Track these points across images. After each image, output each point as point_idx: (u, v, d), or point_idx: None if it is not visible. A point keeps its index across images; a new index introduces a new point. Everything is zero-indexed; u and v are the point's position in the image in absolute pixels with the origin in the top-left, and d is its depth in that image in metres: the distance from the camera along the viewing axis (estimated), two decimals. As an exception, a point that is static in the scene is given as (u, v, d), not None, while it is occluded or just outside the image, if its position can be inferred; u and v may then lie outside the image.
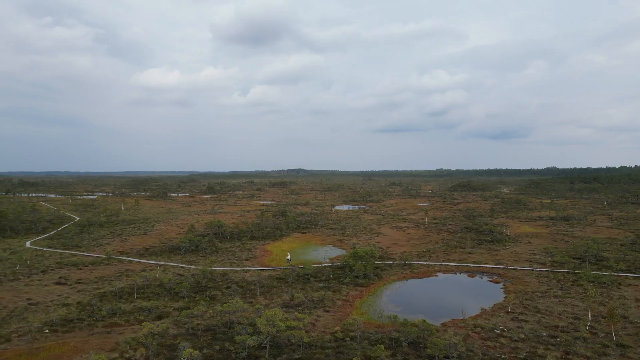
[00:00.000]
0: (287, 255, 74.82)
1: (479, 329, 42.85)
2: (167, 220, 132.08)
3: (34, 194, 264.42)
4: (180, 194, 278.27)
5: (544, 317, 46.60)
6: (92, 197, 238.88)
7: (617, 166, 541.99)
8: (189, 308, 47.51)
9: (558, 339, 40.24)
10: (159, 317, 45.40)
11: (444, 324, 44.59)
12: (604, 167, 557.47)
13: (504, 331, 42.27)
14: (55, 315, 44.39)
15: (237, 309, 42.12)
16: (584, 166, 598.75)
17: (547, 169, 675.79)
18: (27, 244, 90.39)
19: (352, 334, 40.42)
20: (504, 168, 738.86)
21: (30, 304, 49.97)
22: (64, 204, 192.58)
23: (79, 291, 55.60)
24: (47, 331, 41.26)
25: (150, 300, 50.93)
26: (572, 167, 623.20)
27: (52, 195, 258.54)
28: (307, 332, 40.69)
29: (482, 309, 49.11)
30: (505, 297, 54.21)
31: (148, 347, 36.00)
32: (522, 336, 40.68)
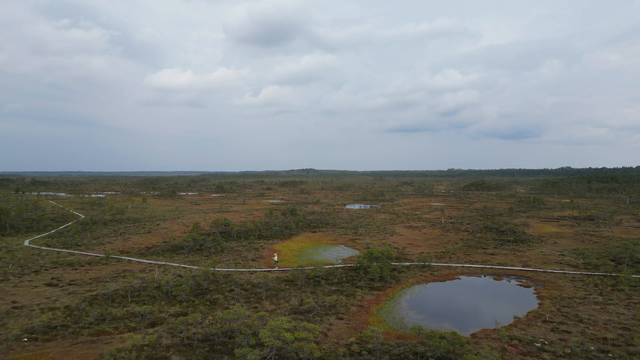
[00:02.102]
0: (274, 257, 69.30)
1: (516, 341, 37.20)
2: (174, 218, 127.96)
3: (43, 193, 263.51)
4: (189, 193, 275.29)
5: (588, 328, 40.80)
6: (101, 195, 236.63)
7: (634, 166, 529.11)
8: (186, 314, 42.69)
9: (610, 355, 34.49)
10: (153, 324, 40.59)
11: (474, 335, 39.06)
12: (620, 167, 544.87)
13: (544, 344, 36.60)
14: (37, 321, 39.82)
15: (238, 317, 37.07)
16: (599, 166, 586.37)
17: (562, 169, 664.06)
18: (26, 243, 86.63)
19: (370, 346, 35.12)
20: (517, 168, 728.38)
21: (14, 307, 45.58)
22: (71, 202, 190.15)
23: (69, 293, 51.11)
24: (25, 340, 36.69)
25: (144, 304, 46.18)
26: (587, 167, 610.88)
27: (62, 194, 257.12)
28: (317, 343, 35.55)
29: (515, 318, 43.45)
30: (539, 304, 48.40)
31: (134, 361, 31.16)
32: (568, 351, 34.96)
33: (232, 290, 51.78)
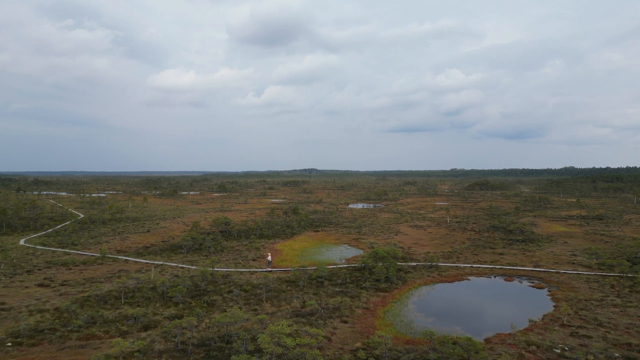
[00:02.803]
0: (267, 257, 66.22)
1: (534, 347, 34.68)
2: (174, 217, 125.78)
3: (44, 192, 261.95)
4: (191, 192, 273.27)
5: (609, 332, 38.23)
6: (102, 195, 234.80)
7: (638, 165, 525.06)
8: (182, 316, 40.37)
9: (636, 362, 31.94)
10: (146, 328, 38.26)
11: (488, 340, 36.56)
12: (624, 166, 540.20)
13: (565, 350, 34.08)
14: (24, 324, 37.53)
15: (236, 320, 34.68)
16: (603, 166, 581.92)
17: (565, 168, 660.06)
18: (22, 242, 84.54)
19: (377, 352, 32.68)
20: (520, 168, 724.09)
21: (1, 309, 43.35)
22: (72, 201, 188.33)
23: (61, 294, 48.87)
24: (9, 344, 34.41)
25: (138, 306, 43.87)
26: (590, 166, 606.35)
27: (63, 194, 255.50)
28: (320, 349, 33.15)
29: (531, 321, 40.91)
30: (555, 306, 45.83)
31: (123, 368, 28.83)
32: (591, 358, 32.41)
33: (230, 292, 49.42)
